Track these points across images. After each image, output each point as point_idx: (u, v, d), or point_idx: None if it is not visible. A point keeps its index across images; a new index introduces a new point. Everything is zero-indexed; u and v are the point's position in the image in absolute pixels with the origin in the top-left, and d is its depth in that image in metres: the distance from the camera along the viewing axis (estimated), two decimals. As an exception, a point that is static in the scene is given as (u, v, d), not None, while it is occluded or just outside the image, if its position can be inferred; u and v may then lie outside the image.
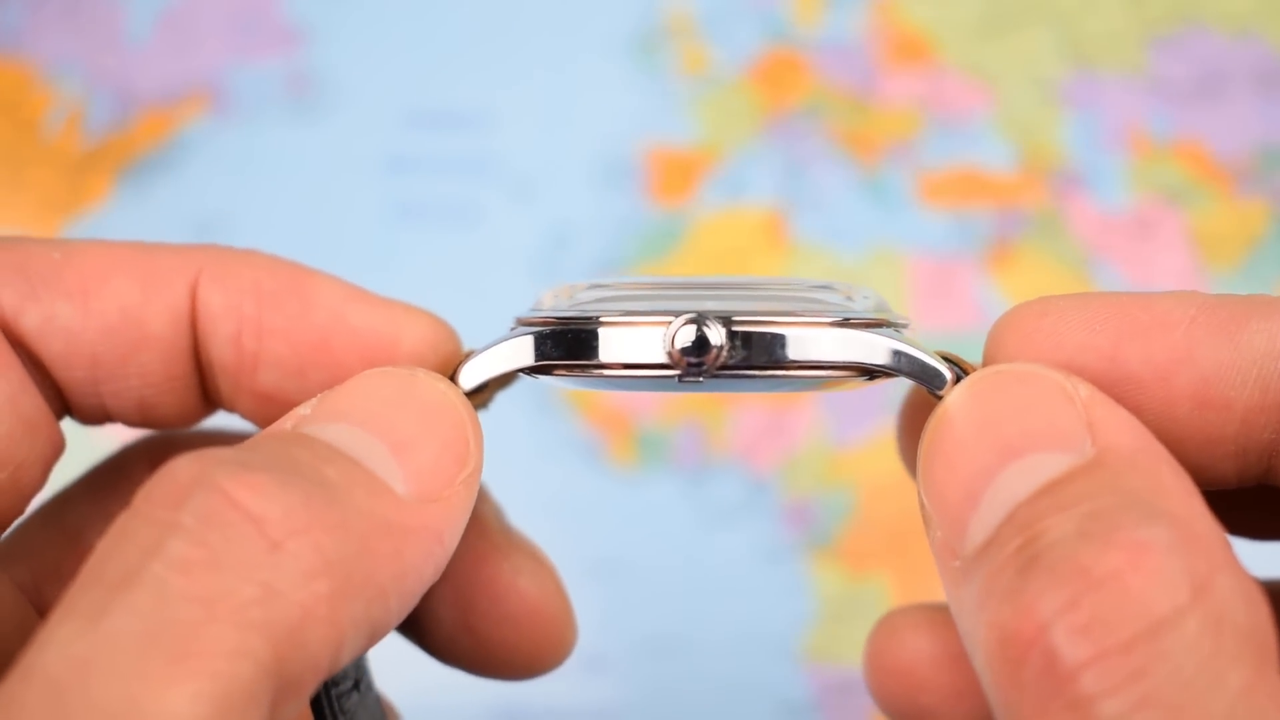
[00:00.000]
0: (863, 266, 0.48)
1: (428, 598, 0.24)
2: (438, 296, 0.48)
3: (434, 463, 0.20)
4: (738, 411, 0.47)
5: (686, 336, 0.21)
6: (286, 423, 0.20)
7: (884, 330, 0.22)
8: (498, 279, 0.48)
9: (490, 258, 0.48)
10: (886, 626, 0.26)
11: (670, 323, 0.21)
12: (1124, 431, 0.19)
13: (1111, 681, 0.16)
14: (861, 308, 0.22)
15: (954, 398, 0.20)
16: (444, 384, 0.22)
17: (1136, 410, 0.20)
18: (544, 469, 0.45)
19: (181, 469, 0.18)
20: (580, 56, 0.50)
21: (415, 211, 0.49)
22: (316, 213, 0.49)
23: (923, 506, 0.20)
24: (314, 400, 0.21)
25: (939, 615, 0.26)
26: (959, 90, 0.50)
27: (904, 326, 0.22)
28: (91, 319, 0.23)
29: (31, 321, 0.23)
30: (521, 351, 0.23)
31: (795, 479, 0.46)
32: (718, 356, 0.21)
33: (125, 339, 0.23)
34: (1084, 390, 0.20)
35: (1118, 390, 0.20)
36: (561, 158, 0.49)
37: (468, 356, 0.23)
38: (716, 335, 0.21)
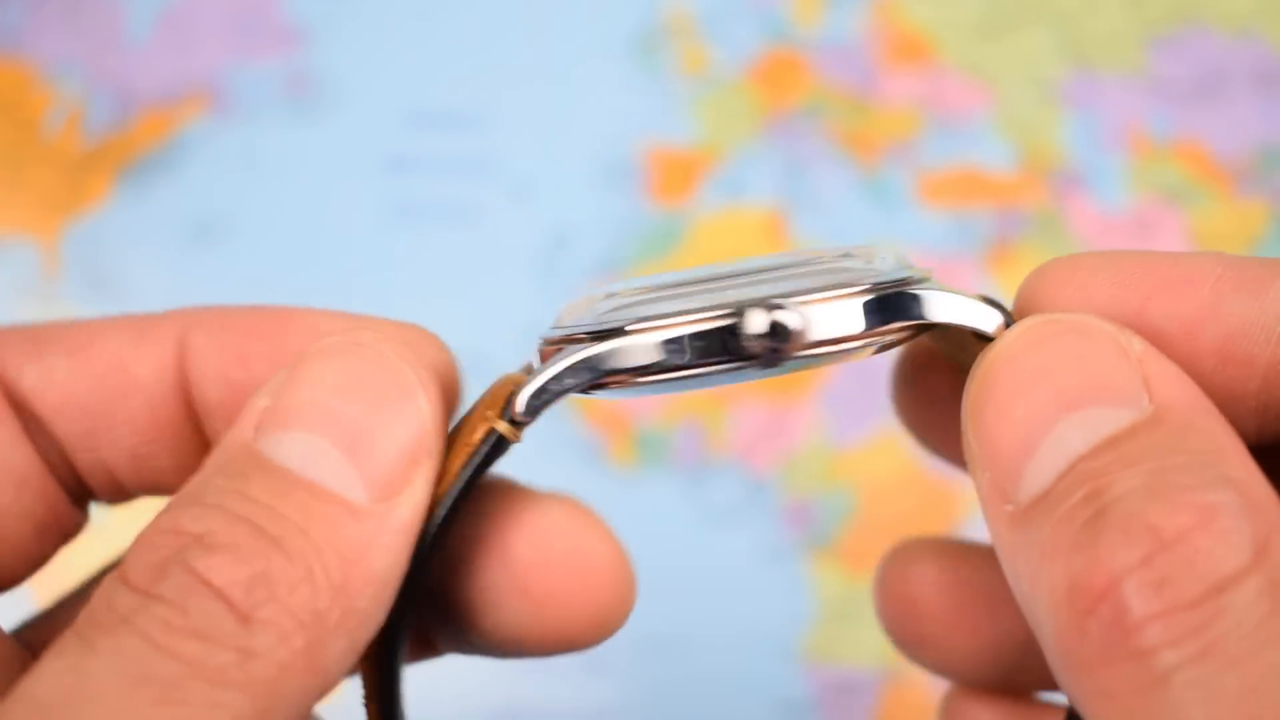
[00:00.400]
0: (863, 266, 0.48)
1: (474, 591, 0.24)
2: (437, 297, 0.48)
3: (392, 456, 0.21)
4: (737, 411, 0.47)
5: (762, 324, 0.21)
6: (247, 430, 0.21)
7: (930, 284, 0.22)
8: (498, 279, 0.48)
9: (490, 258, 0.48)
10: (898, 555, 0.27)
11: (742, 314, 0.21)
12: (1179, 388, 0.20)
13: (1176, 634, 0.17)
14: (892, 268, 0.22)
15: (1006, 344, 0.21)
16: (390, 350, 0.22)
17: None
18: (544, 469, 0.45)
19: (157, 545, 0.19)
20: (580, 57, 0.50)
21: (415, 212, 0.49)
22: (316, 213, 0.49)
23: (968, 447, 0.21)
24: (272, 387, 0.21)
25: (949, 547, 0.26)
26: (959, 90, 0.50)
27: (930, 277, 0.22)
28: (83, 369, 0.24)
29: (31, 378, 0.24)
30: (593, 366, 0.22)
31: (795, 479, 0.46)
32: (798, 339, 0.21)
33: (113, 386, 0.24)
34: (1138, 345, 0.20)
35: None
36: (561, 158, 0.49)
37: (522, 382, 0.22)
38: (795, 318, 0.21)
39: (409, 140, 0.49)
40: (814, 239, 0.48)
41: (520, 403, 0.22)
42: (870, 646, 0.44)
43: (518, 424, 0.22)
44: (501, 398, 0.22)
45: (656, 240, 0.48)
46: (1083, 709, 0.19)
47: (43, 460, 0.25)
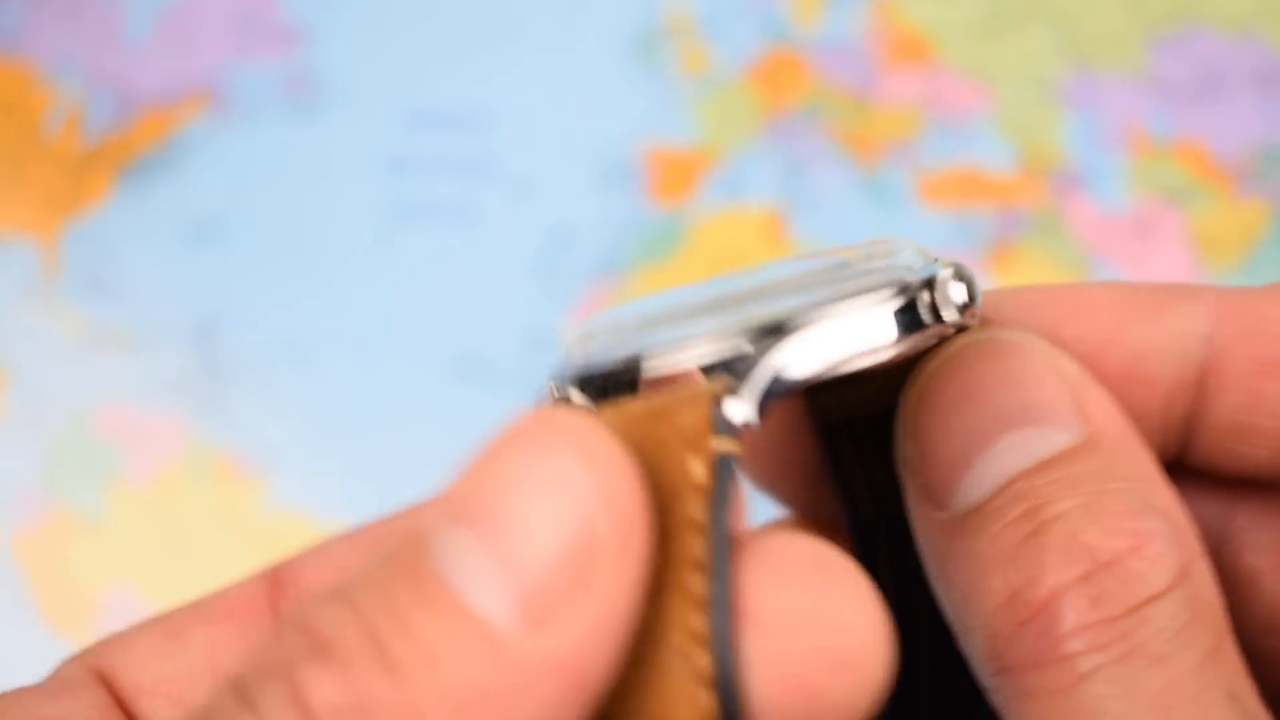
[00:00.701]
0: (863, 266, 0.48)
1: None
2: (437, 297, 0.48)
3: (547, 574, 0.16)
4: (738, 411, 0.47)
5: (962, 292, 0.20)
6: (434, 510, 0.17)
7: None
8: (498, 279, 0.48)
9: (490, 258, 0.48)
10: None
11: (938, 282, 0.20)
12: (1110, 415, 0.21)
13: (1102, 640, 0.19)
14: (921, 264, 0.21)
15: (949, 357, 0.22)
16: (585, 441, 0.17)
17: None
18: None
19: (284, 642, 0.17)
20: (580, 57, 0.50)
21: (415, 212, 0.49)
22: (316, 213, 0.49)
23: (901, 452, 0.22)
24: (467, 465, 0.17)
25: None
26: (959, 90, 0.50)
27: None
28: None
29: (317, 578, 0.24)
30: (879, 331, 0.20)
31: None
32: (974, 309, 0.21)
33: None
34: (1073, 369, 0.22)
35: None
36: (561, 158, 0.49)
37: (718, 392, 0.18)
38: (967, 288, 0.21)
39: (409, 140, 0.49)
40: (814, 239, 0.48)
41: (745, 411, 0.18)
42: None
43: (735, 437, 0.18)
44: (688, 426, 0.18)
45: (656, 240, 0.48)
46: (1006, 709, 0.20)
47: None
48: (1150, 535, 0.20)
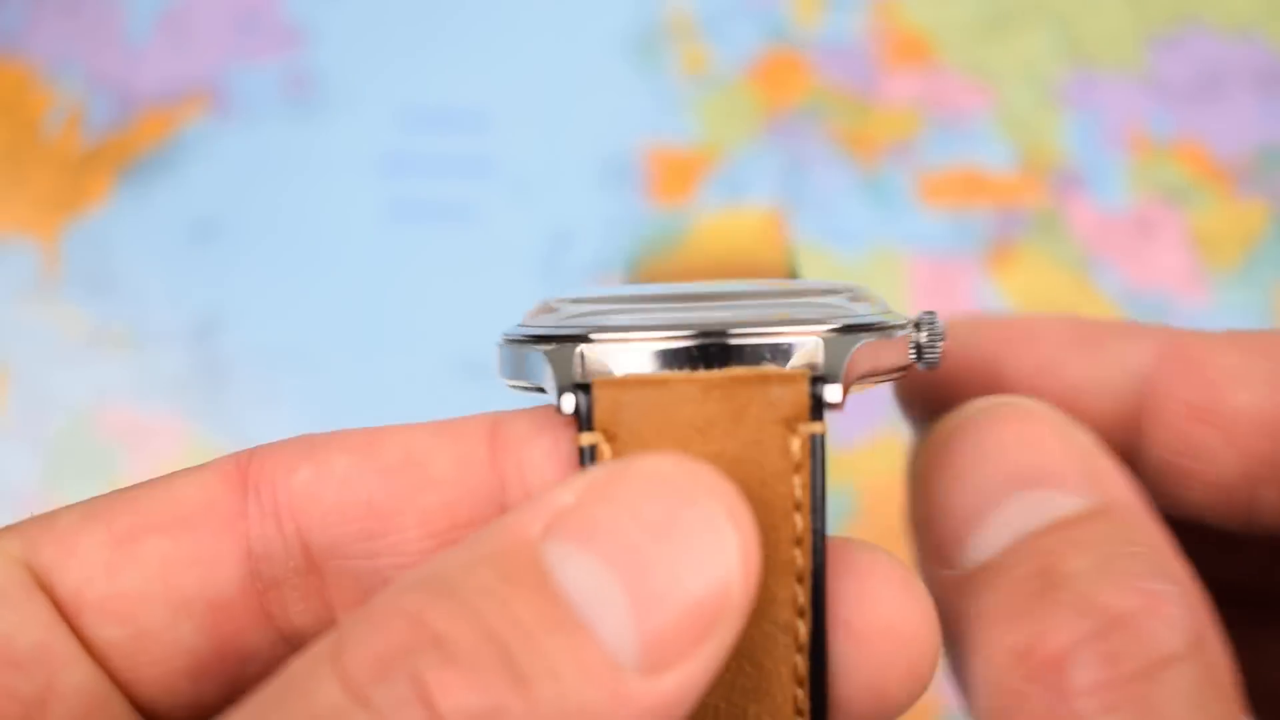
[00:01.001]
0: (863, 266, 0.48)
1: None
2: (437, 297, 0.48)
3: (678, 623, 0.17)
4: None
5: (936, 329, 0.22)
6: (537, 521, 0.18)
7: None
8: (498, 279, 0.48)
9: (490, 258, 0.48)
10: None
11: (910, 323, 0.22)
12: (1122, 485, 0.21)
13: (1116, 700, 0.19)
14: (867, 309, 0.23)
15: (964, 417, 0.22)
16: (724, 501, 0.18)
17: None
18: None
19: (394, 629, 0.17)
20: (580, 56, 0.50)
21: (415, 212, 0.49)
22: (316, 213, 0.49)
23: (913, 508, 0.22)
24: (581, 483, 0.18)
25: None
26: (959, 90, 0.50)
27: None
28: (371, 463, 0.21)
29: (303, 477, 0.21)
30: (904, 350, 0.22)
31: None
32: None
33: (407, 480, 0.21)
34: (1085, 437, 0.22)
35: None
36: (561, 158, 0.49)
37: (799, 378, 0.20)
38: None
39: (409, 140, 0.49)
40: (814, 239, 0.48)
41: (836, 394, 0.20)
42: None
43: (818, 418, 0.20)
44: (784, 404, 0.20)
45: (656, 240, 0.48)
46: None
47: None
48: (1164, 597, 0.19)
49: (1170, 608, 0.19)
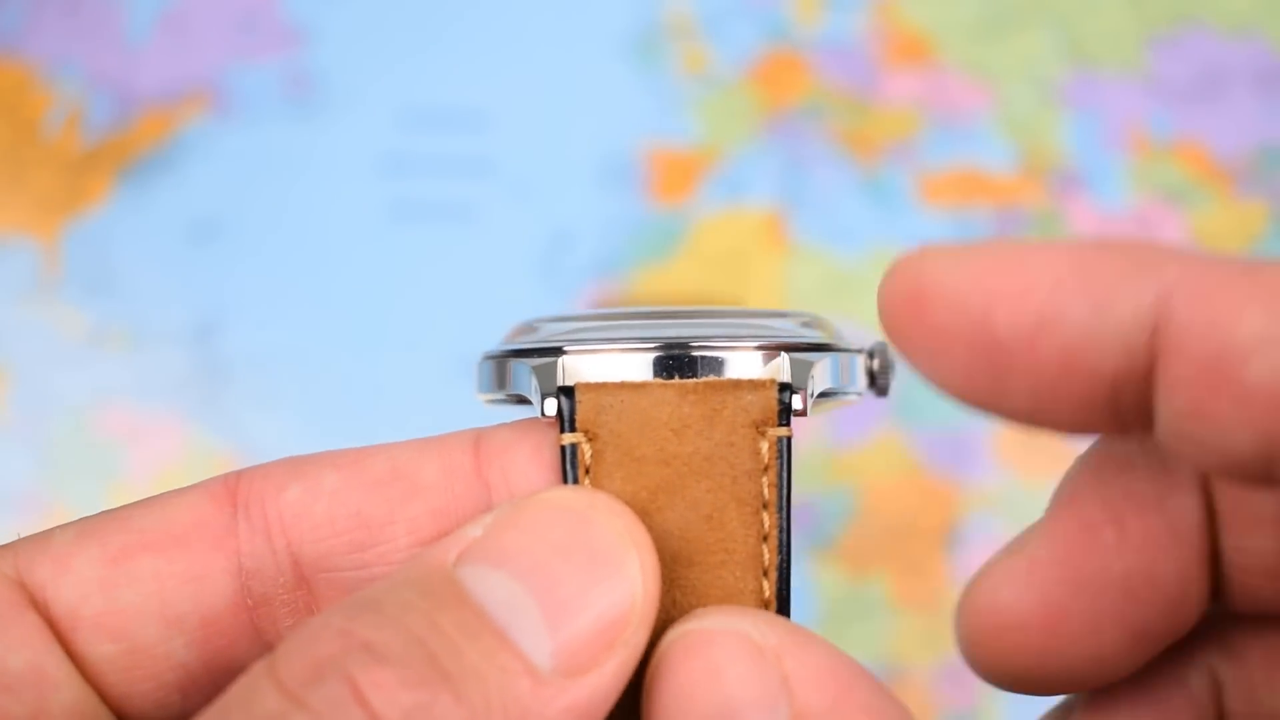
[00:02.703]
0: (863, 266, 0.48)
1: None
2: (437, 297, 0.48)
3: (588, 631, 0.19)
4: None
5: (888, 359, 0.24)
6: (451, 551, 0.20)
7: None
8: (498, 279, 0.48)
9: (490, 258, 0.48)
10: (983, 582, 0.24)
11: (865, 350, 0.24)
12: (817, 686, 0.20)
13: None
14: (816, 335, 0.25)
15: (658, 659, 0.21)
16: (621, 521, 0.20)
17: (1009, 372, 0.20)
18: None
19: (323, 641, 0.18)
20: (580, 56, 0.50)
21: (415, 212, 0.49)
22: (316, 213, 0.49)
23: None
24: (489, 518, 0.20)
25: (1034, 563, 0.24)
26: (959, 90, 0.50)
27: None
28: (359, 477, 0.22)
29: (293, 493, 0.22)
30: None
31: (795, 479, 0.46)
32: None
33: (395, 491, 0.22)
34: (773, 639, 0.20)
35: (991, 354, 0.20)
36: (561, 158, 0.49)
37: (767, 386, 0.23)
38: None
39: (409, 140, 0.49)
40: (814, 239, 0.48)
41: (800, 401, 0.23)
42: (871, 646, 0.44)
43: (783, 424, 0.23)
44: (753, 409, 0.22)
45: (656, 240, 0.48)
46: None
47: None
48: None
49: None
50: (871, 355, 0.24)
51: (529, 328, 0.24)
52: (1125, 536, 0.21)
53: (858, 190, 0.49)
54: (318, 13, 0.50)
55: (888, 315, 0.21)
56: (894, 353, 0.23)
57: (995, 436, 0.47)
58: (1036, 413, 0.20)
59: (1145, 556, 0.21)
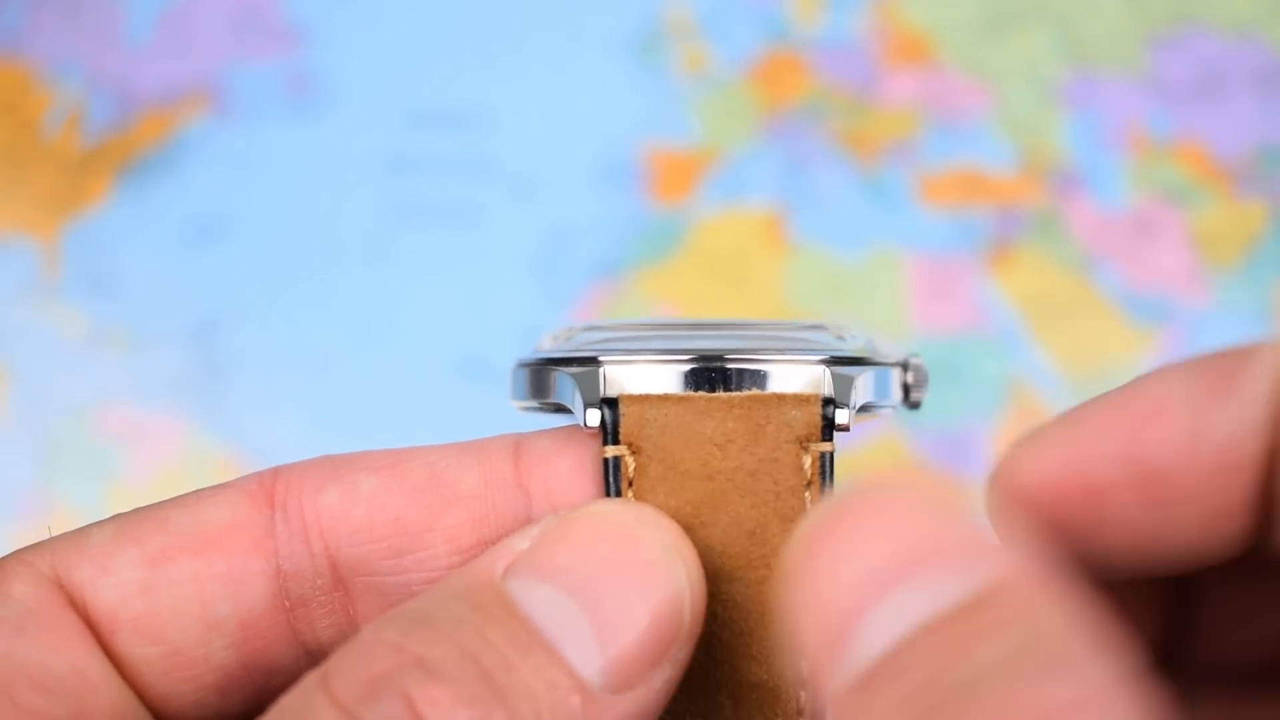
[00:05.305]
0: (863, 266, 0.48)
1: None
2: (437, 296, 0.48)
3: (637, 647, 0.19)
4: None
5: (922, 373, 0.24)
6: (499, 564, 0.20)
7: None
8: (498, 279, 0.48)
9: (490, 258, 0.48)
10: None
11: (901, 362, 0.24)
12: (1012, 562, 0.18)
13: None
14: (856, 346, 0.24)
15: (830, 507, 0.19)
16: (668, 536, 0.20)
17: (1168, 501, 0.19)
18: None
19: (377, 657, 0.18)
20: (580, 56, 0.50)
21: (415, 211, 0.49)
22: (316, 213, 0.49)
23: (786, 618, 0.19)
24: (535, 530, 0.20)
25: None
26: (959, 90, 0.50)
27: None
28: (398, 482, 0.22)
29: (331, 496, 0.22)
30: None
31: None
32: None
33: (434, 498, 0.22)
34: (965, 514, 0.18)
35: (1147, 487, 0.19)
36: (561, 158, 0.49)
37: (812, 401, 0.22)
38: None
39: (409, 140, 0.49)
40: (814, 239, 0.48)
41: (844, 416, 0.23)
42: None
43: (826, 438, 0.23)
44: (798, 424, 0.22)
45: (656, 240, 0.48)
46: None
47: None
48: (1098, 683, 0.16)
49: (1109, 696, 0.16)
50: (905, 367, 0.24)
51: (564, 335, 0.24)
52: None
53: (858, 190, 0.49)
54: (318, 13, 0.50)
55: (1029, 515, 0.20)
56: (926, 367, 0.23)
57: (995, 436, 0.47)
58: (1205, 533, 0.19)
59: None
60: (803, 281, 0.48)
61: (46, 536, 0.23)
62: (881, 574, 0.18)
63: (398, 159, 0.49)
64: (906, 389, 0.24)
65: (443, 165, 0.49)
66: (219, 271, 0.48)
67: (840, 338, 0.24)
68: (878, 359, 0.24)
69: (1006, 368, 0.47)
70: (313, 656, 0.23)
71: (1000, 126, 0.49)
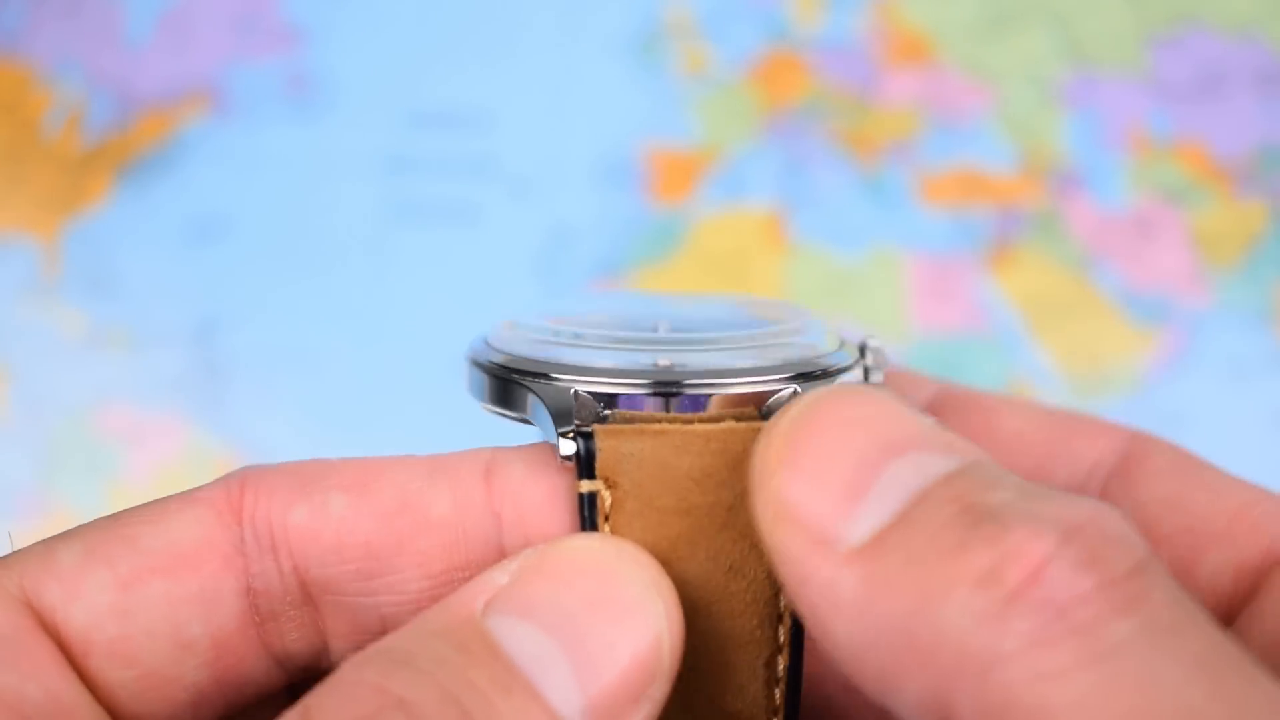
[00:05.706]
0: (863, 266, 0.48)
1: None
2: (437, 296, 0.48)
3: (617, 686, 0.19)
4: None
5: (882, 356, 0.25)
6: (478, 599, 0.20)
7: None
8: (498, 279, 0.48)
9: (490, 258, 0.48)
10: None
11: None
12: (977, 448, 0.20)
13: (1117, 605, 0.17)
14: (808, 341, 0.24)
15: (809, 402, 0.20)
16: (647, 574, 0.21)
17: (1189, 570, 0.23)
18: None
19: (359, 699, 0.18)
20: (580, 56, 0.50)
21: (415, 211, 0.49)
22: (316, 213, 0.49)
23: (765, 511, 0.20)
24: (514, 564, 0.20)
25: None
26: (959, 90, 0.50)
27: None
28: (367, 505, 0.22)
29: (300, 516, 0.22)
30: None
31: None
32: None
33: (404, 523, 0.22)
34: (927, 414, 0.21)
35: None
36: (561, 158, 0.49)
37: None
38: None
39: (409, 140, 0.49)
40: (814, 239, 0.48)
41: None
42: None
43: None
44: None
45: (656, 240, 0.48)
46: (1005, 707, 0.17)
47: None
48: (1106, 508, 0.18)
49: (1117, 518, 0.18)
50: (863, 352, 0.24)
51: (524, 328, 0.24)
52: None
53: (858, 190, 0.49)
54: (318, 13, 0.50)
55: None
56: (884, 349, 0.23)
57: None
58: None
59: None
60: (803, 281, 0.48)
61: (7, 540, 0.23)
62: (877, 453, 0.19)
63: (397, 159, 0.49)
64: (866, 372, 0.24)
65: (442, 165, 0.49)
66: (219, 271, 0.48)
67: (797, 330, 0.24)
68: (841, 363, 0.23)
69: (1006, 368, 0.47)
70: (283, 667, 0.23)
71: (1000, 126, 0.49)
